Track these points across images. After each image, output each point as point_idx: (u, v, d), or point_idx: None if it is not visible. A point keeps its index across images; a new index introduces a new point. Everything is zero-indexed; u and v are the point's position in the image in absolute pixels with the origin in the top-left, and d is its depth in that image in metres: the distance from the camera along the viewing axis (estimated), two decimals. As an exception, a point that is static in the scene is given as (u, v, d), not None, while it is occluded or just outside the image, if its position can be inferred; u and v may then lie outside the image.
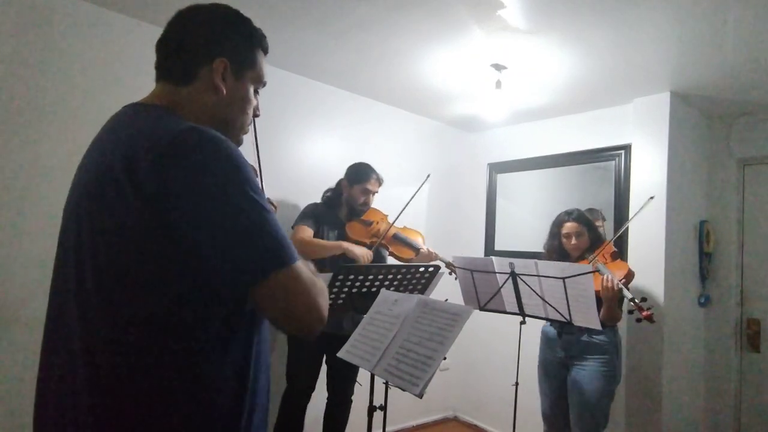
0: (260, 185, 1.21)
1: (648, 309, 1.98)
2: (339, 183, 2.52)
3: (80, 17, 2.04)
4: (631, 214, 2.73)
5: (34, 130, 1.93)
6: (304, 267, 0.76)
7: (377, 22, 2.09)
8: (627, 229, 2.72)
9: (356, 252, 2.27)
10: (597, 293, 2.05)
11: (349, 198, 2.45)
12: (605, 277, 2.10)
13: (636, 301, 2.01)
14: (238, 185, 0.71)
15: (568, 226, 2.35)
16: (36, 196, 1.92)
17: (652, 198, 2.51)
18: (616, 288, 2.06)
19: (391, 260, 2.59)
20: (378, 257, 2.51)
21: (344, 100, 3.03)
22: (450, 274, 2.47)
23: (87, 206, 0.75)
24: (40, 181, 1.93)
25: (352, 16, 2.05)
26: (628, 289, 2.09)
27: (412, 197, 2.48)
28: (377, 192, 2.49)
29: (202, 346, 0.72)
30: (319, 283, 0.79)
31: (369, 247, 2.39)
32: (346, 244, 2.29)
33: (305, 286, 0.74)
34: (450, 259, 2.49)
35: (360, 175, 2.43)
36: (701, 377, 2.96)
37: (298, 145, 2.78)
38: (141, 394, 0.69)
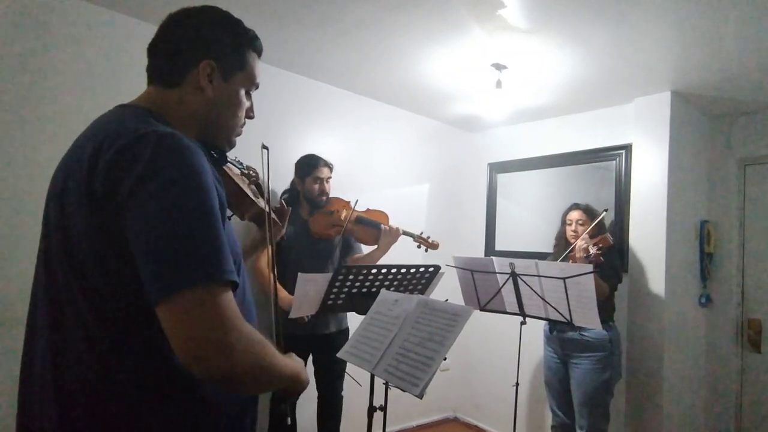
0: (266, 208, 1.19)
1: (599, 251, 2.15)
2: (293, 182, 2.52)
3: (79, 17, 2.03)
4: (632, 215, 2.74)
5: (33, 130, 1.92)
6: (230, 297, 0.66)
7: (377, 22, 2.09)
8: (628, 229, 2.75)
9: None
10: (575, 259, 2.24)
11: (305, 192, 2.43)
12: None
13: (592, 248, 2.17)
14: (180, 193, 0.65)
15: (572, 214, 2.50)
16: (35, 196, 1.91)
17: (605, 211, 2.54)
18: (582, 242, 2.20)
19: (360, 246, 2.57)
20: (346, 245, 2.51)
21: (344, 99, 3.02)
22: (419, 247, 2.48)
23: (54, 205, 0.75)
24: (39, 180, 1.92)
25: (352, 16, 2.05)
26: (597, 246, 2.19)
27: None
28: (330, 177, 2.46)
29: (160, 347, 0.69)
30: (254, 334, 0.68)
31: (335, 236, 2.40)
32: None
33: (220, 318, 0.62)
34: (418, 232, 2.49)
35: (308, 167, 2.41)
36: (702, 378, 2.96)
37: (298, 145, 2.77)
38: (102, 396, 0.69)
